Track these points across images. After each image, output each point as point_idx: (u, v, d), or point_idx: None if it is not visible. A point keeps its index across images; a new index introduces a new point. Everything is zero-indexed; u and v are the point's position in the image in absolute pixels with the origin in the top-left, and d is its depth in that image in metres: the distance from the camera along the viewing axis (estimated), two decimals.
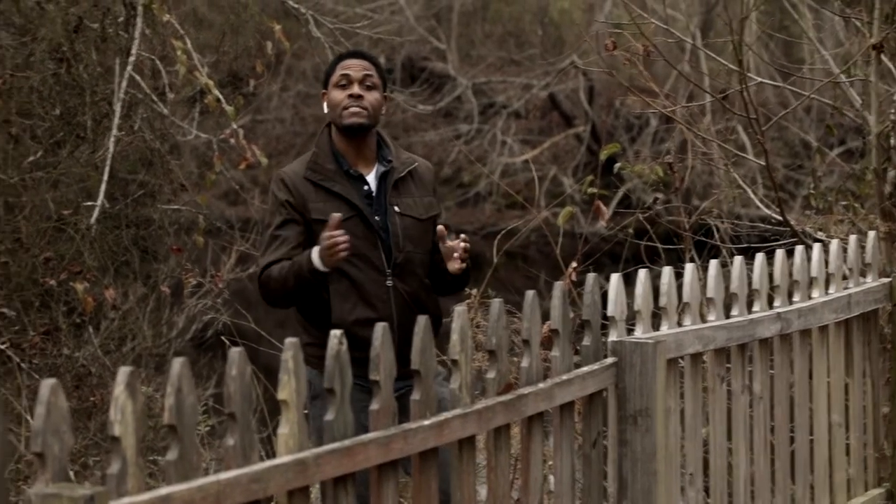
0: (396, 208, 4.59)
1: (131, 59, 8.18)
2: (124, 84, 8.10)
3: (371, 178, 4.61)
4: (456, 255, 4.47)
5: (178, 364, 2.87)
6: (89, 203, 8.26)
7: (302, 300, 4.51)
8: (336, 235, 4.31)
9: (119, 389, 2.73)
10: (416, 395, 3.49)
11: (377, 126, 4.67)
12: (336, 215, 4.35)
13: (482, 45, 25.49)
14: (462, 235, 4.55)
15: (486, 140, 23.91)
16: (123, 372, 2.74)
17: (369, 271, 4.49)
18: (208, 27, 11.92)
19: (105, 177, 8.00)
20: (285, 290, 4.46)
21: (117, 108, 8.11)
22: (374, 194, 4.60)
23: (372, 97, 4.60)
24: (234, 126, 8.36)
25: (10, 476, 6.99)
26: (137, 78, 8.35)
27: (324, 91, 4.67)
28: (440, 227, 4.54)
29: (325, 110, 4.66)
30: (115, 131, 8.10)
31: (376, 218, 4.56)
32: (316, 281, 4.41)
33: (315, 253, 4.38)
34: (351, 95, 4.57)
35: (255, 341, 7.38)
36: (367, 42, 15.84)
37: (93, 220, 8.12)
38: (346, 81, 4.60)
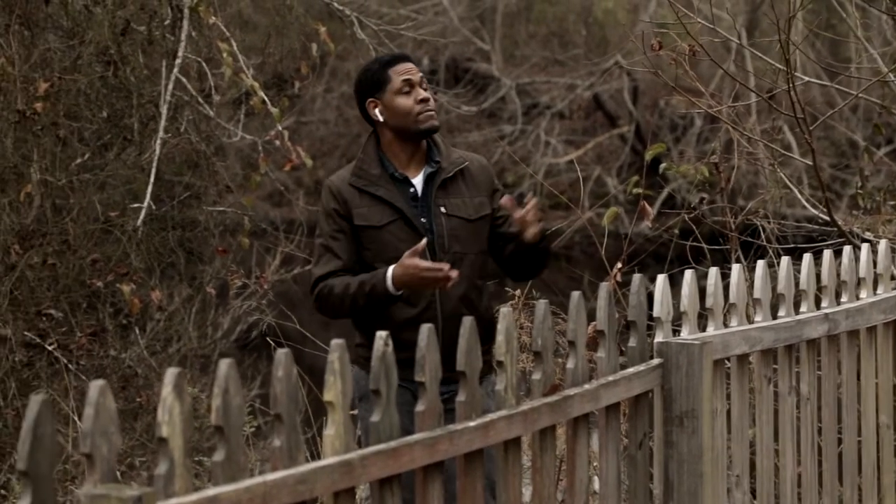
0: (443, 209, 4.57)
1: (178, 61, 8.23)
2: (170, 86, 8.16)
3: (418, 181, 4.60)
4: (530, 217, 4.42)
5: (225, 365, 2.88)
6: (136, 205, 8.32)
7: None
8: (443, 269, 4.29)
9: (167, 390, 2.75)
10: (461, 397, 3.49)
11: None
12: (421, 243, 4.35)
13: (526, 45, 25.46)
14: (526, 198, 4.52)
15: (530, 141, 23.89)
16: (171, 373, 2.75)
17: None
18: (253, 29, 11.98)
19: (151, 179, 8.06)
20: (354, 307, 4.46)
21: (164, 110, 8.17)
22: (419, 196, 4.60)
23: (433, 98, 4.63)
24: (279, 127, 8.39)
25: (57, 476, 7.05)
26: (184, 80, 8.40)
27: (372, 100, 4.62)
28: (505, 198, 4.50)
29: (380, 118, 4.60)
30: (161, 133, 8.15)
31: (422, 220, 4.54)
32: (390, 302, 4.43)
33: (389, 277, 4.38)
34: (421, 100, 4.57)
35: (298, 342, 7.41)
36: (412, 43, 15.88)
37: (139, 221, 8.18)
38: (409, 87, 4.58)
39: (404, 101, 4.57)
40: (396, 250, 4.46)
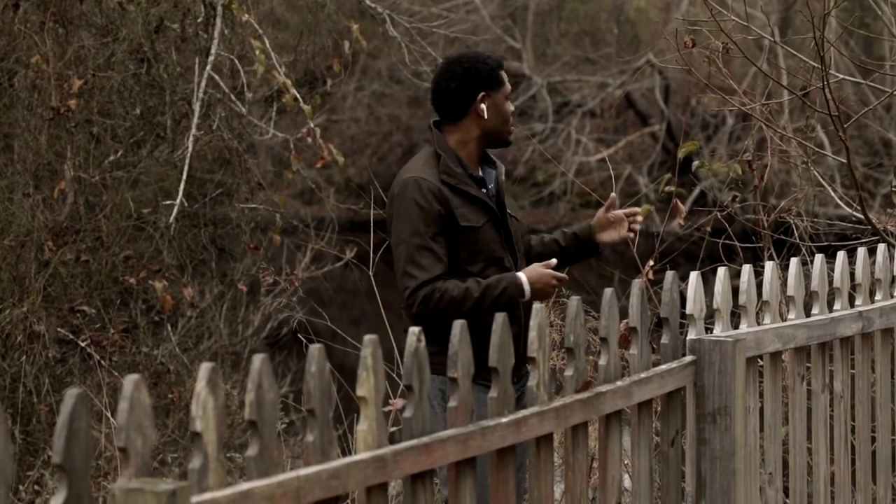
0: (508, 210, 4.60)
1: (210, 58, 8.25)
2: (203, 84, 8.18)
3: (488, 180, 4.59)
4: (631, 224, 4.71)
5: (258, 360, 2.88)
6: (168, 202, 8.35)
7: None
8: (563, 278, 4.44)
9: (201, 385, 2.75)
10: (493, 393, 3.49)
11: None
12: (553, 261, 4.45)
13: (557, 43, 25.43)
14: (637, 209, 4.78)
15: (561, 139, 23.86)
16: (205, 368, 2.76)
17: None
18: (285, 27, 12.00)
19: (184, 176, 8.09)
20: (475, 310, 4.34)
21: (196, 107, 8.19)
22: (492, 196, 4.57)
23: None
24: (312, 124, 8.40)
25: (90, 472, 7.07)
26: (216, 77, 8.43)
27: (486, 93, 4.52)
28: (613, 196, 4.71)
29: (484, 115, 4.51)
30: (193, 130, 8.18)
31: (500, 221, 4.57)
32: (515, 308, 4.40)
33: (526, 283, 4.38)
34: (513, 112, 4.61)
35: (328, 339, 7.42)
36: (443, 41, 15.87)
37: (172, 218, 8.20)
38: (509, 96, 4.60)
39: (509, 108, 4.56)
40: (490, 252, 4.46)
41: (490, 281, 4.39)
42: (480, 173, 4.59)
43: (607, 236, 4.70)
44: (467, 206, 4.45)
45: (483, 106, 4.51)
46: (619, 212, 4.69)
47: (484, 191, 4.55)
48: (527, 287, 4.39)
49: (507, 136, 4.58)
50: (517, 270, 4.49)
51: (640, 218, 4.75)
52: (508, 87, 4.58)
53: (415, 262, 4.36)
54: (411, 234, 4.37)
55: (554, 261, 4.44)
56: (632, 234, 4.71)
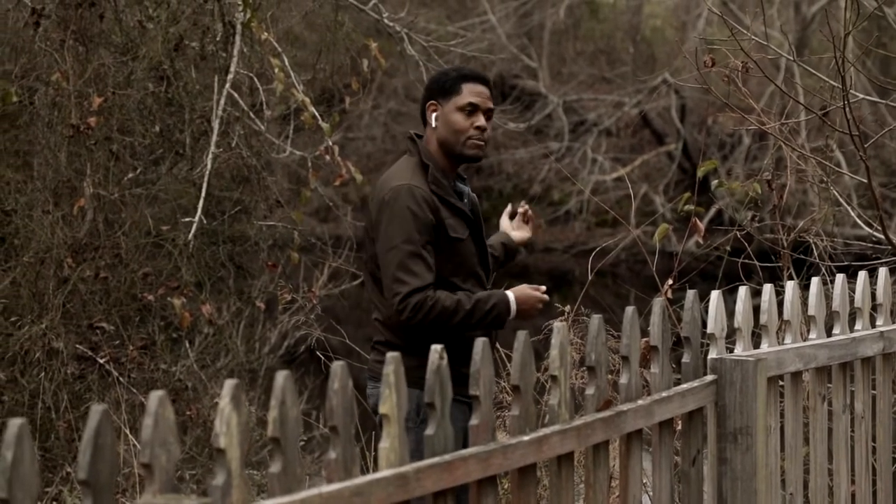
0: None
1: (229, 76, 8.28)
2: (222, 101, 8.20)
3: (462, 196, 4.60)
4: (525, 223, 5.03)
5: (281, 377, 2.89)
6: (187, 219, 8.37)
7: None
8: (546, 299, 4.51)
9: (224, 402, 2.75)
10: (514, 411, 3.49)
11: None
12: (543, 287, 4.51)
13: (573, 62, 25.46)
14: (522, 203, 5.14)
15: (577, 158, 23.86)
16: (229, 385, 2.76)
17: (479, 289, 4.49)
18: (303, 46, 12.04)
19: (203, 193, 8.10)
20: (464, 323, 4.35)
21: (215, 125, 8.21)
22: (471, 212, 4.58)
23: (489, 128, 4.58)
24: (330, 142, 8.42)
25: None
26: (235, 95, 8.45)
27: (434, 102, 4.53)
28: (510, 207, 5.07)
29: (433, 124, 4.52)
30: (213, 148, 8.19)
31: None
32: (501, 326, 4.45)
33: (513, 302, 4.40)
34: (478, 127, 4.48)
35: (344, 357, 7.42)
36: (459, 60, 15.87)
37: (190, 235, 8.22)
38: (473, 109, 4.49)
39: (461, 120, 4.48)
40: (470, 266, 4.46)
41: (481, 295, 4.39)
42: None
43: (519, 235, 5.00)
44: (454, 218, 4.46)
45: (432, 115, 4.52)
46: (517, 218, 5.06)
47: (462, 203, 4.55)
48: (514, 306, 4.40)
49: (461, 149, 4.48)
50: (489, 287, 4.52)
51: (524, 208, 5.08)
52: (465, 98, 4.48)
53: (407, 268, 4.33)
54: (404, 240, 4.34)
55: (543, 287, 4.48)
56: (535, 226, 5.08)
